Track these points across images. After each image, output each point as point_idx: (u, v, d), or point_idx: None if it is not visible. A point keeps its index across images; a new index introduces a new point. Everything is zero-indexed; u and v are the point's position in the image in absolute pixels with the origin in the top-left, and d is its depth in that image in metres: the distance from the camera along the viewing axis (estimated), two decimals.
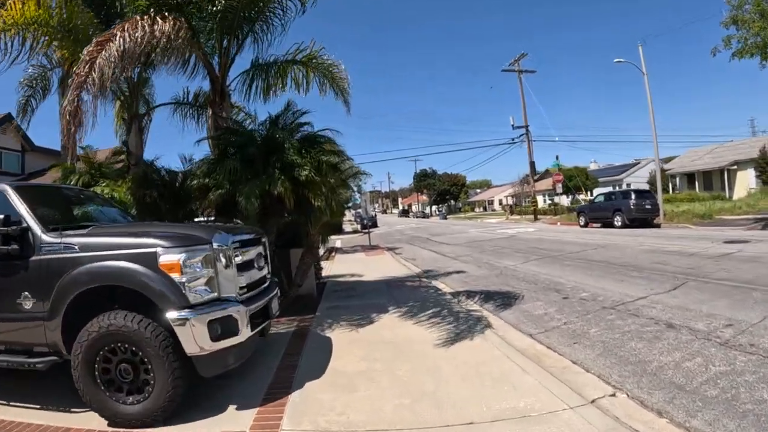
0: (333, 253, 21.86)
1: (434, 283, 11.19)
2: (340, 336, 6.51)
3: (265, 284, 5.15)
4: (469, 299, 8.96)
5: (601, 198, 28.53)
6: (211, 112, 9.90)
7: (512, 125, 41.48)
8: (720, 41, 17.84)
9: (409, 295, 9.35)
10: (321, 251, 19.10)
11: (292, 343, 6.28)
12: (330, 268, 15.83)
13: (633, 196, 25.31)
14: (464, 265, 14.37)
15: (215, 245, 4.15)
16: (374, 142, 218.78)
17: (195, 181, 8.11)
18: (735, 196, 36.75)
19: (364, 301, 9.06)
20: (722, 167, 39.37)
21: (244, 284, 4.45)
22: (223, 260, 4.18)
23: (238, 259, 4.42)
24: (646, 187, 34.06)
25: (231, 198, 7.65)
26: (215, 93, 9.83)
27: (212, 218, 8.92)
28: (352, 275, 13.33)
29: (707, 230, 19.72)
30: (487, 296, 9.12)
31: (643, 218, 25.10)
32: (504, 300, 8.63)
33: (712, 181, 41.17)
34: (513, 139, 43.48)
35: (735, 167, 38.99)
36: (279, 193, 7.14)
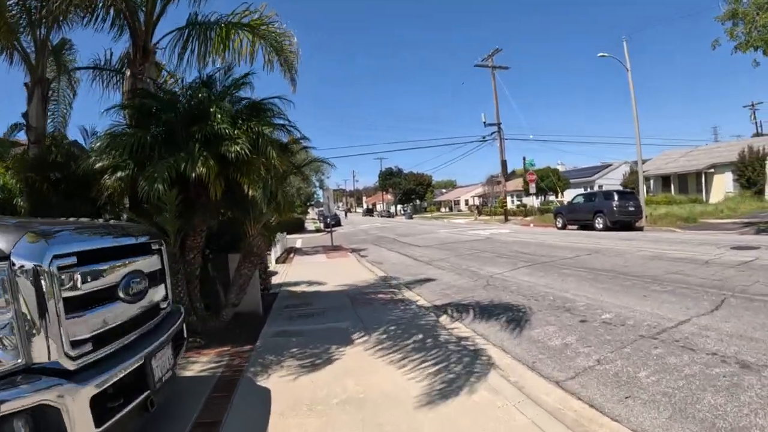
0: (291, 255, 20.10)
1: (408, 294, 9.45)
2: (283, 389, 4.54)
3: (153, 321, 3.18)
4: (456, 320, 7.17)
5: (581, 199, 27.35)
6: (129, 74, 7.90)
7: (484, 122, 40.74)
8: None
9: (380, 314, 7.49)
10: (275, 254, 17.29)
11: (209, 404, 4.25)
12: (286, 273, 13.93)
13: (616, 197, 24.23)
14: (441, 272, 12.64)
15: (19, 261, 2.17)
16: (338, 138, 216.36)
17: (91, 161, 6.04)
18: (712, 200, 36.79)
19: (322, 323, 7.12)
20: (699, 170, 39.41)
21: (90, 334, 2.46)
22: (35, 289, 2.19)
23: (81, 286, 2.44)
24: (620, 188, 33.24)
25: (135, 183, 5.64)
26: (136, 50, 8.04)
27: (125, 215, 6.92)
28: (311, 283, 11.49)
29: (699, 234, 18.66)
30: (479, 315, 7.38)
31: (627, 221, 24.16)
32: (503, 322, 6.87)
33: (688, 183, 41.31)
34: (484, 137, 42.80)
35: (712, 170, 39.11)
36: (200, 177, 5.15)
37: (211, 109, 5.64)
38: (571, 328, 6.32)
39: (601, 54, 27.19)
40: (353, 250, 21.10)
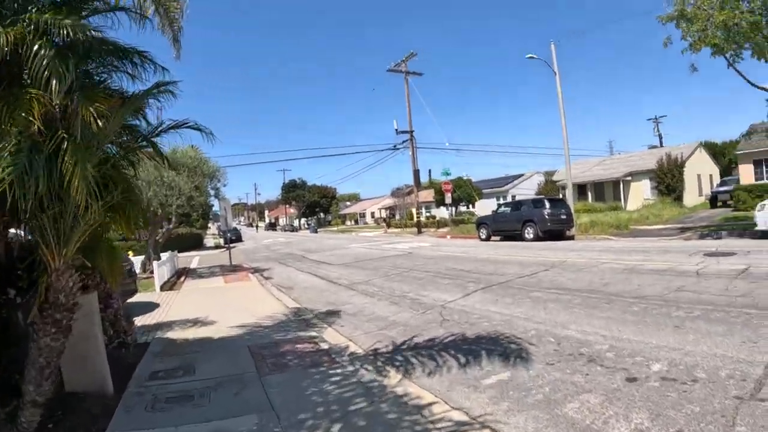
0: (182, 279, 16.96)
1: (333, 337, 7.14)
2: None
3: None
4: (430, 392, 4.74)
5: (506, 208, 26.20)
6: None
7: (396, 129, 39.39)
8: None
9: (303, 389, 4.88)
10: (160, 279, 14.19)
11: None
12: (170, 306, 11.09)
13: (547, 206, 23.29)
14: (369, 299, 10.26)
15: None
16: (238, 148, 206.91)
17: None
18: (629, 207, 37.84)
19: (207, 419, 4.30)
20: (617, 178, 40.61)
21: None
22: None
23: None
24: (550, 196, 32.96)
25: None
26: None
27: None
28: (199, 322, 8.83)
29: (643, 242, 17.83)
30: (461, 376, 4.99)
31: (558, 230, 23.38)
32: (509, 391, 4.52)
33: (604, 191, 42.47)
34: (395, 146, 41.40)
35: (629, 178, 40.49)
36: None
37: None
38: (623, 396, 4.11)
39: (530, 56, 26.75)
40: (255, 270, 18.69)
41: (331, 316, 9.00)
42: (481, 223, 27.47)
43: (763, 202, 15.49)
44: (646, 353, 5.12)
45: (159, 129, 5.23)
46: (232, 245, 25.07)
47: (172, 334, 7.97)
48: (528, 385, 4.59)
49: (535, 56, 26.64)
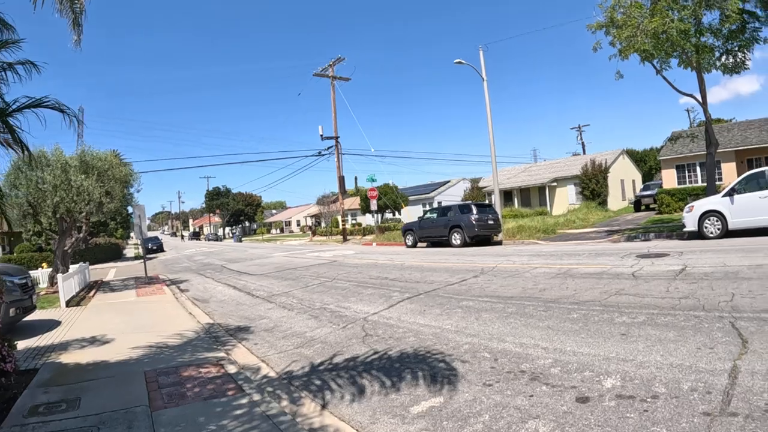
0: (92, 293, 15.49)
1: (245, 357, 6.31)
2: None
3: None
4: (353, 426, 3.98)
5: (433, 214, 25.89)
6: None
7: (321, 135, 39.10)
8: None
9: (199, 426, 4.02)
10: (64, 294, 12.69)
11: None
12: (71, 323, 9.89)
13: (474, 210, 23.13)
14: (287, 313, 9.40)
15: None
16: (159, 152, 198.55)
17: None
18: (555, 212, 39.00)
19: None
20: (543, 184, 41.84)
21: None
22: None
23: None
24: (476, 202, 33.21)
25: None
26: None
27: None
28: (98, 341, 7.75)
29: (573, 245, 17.82)
30: (386, 405, 4.25)
31: (486, 235, 23.43)
32: (444, 424, 3.84)
33: (530, 197, 43.77)
34: (320, 152, 41.08)
35: (555, 184, 41.84)
36: None
37: None
38: (577, 421, 3.48)
39: (457, 61, 26.83)
40: (172, 282, 17.48)
41: (244, 332, 8.08)
42: (407, 229, 27.15)
43: (691, 204, 15.81)
44: (595, 367, 4.56)
45: (11, 108, 4.28)
46: (152, 255, 23.51)
47: (66, 358, 6.78)
48: (464, 413, 3.90)
49: (463, 62, 26.77)
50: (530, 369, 4.71)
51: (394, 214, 51.71)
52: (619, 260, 11.59)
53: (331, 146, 39.67)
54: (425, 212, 27.57)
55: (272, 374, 5.55)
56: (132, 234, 62.99)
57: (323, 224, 61.81)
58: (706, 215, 14.94)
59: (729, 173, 29.89)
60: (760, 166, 15.38)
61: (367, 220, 52.60)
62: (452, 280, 11.18)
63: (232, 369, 5.75)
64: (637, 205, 35.63)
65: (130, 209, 21.16)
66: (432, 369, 5.06)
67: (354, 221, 61.58)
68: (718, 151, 19.34)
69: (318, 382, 5.10)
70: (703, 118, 19.19)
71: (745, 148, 31.47)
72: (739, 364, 4.22)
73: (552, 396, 4.02)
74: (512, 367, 4.83)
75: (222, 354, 6.53)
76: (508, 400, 4.03)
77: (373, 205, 38.13)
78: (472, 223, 22.55)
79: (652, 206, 33.28)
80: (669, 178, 34.02)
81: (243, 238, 74.44)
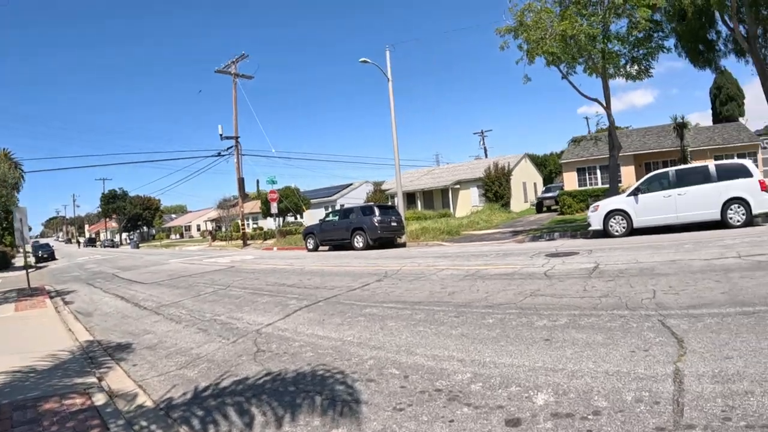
0: None
1: (120, 381, 5.44)
2: None
3: None
4: None
5: (334, 217, 25.29)
6: None
7: (221, 134, 37.70)
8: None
9: None
10: None
11: None
12: None
13: (377, 212, 22.81)
14: (173, 326, 8.37)
15: None
16: (50, 151, 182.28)
17: None
18: (458, 213, 39.62)
19: None
20: (446, 186, 42.53)
21: None
22: None
23: None
24: (379, 203, 33.12)
25: None
26: None
27: None
28: None
29: (479, 246, 17.82)
30: None
31: (389, 237, 23.25)
32: None
33: (433, 200, 44.41)
34: (220, 152, 39.63)
35: (458, 186, 42.78)
36: None
37: None
38: None
39: (363, 60, 26.41)
40: (57, 294, 15.77)
41: (125, 350, 6.95)
42: (308, 233, 26.39)
43: (596, 203, 16.22)
44: (521, 380, 3.99)
45: None
46: (43, 264, 21.04)
47: None
48: None
49: (368, 61, 26.39)
50: (447, 387, 4.07)
51: (296, 218, 50.69)
52: (528, 260, 11.41)
53: (231, 146, 38.36)
54: (327, 214, 26.93)
55: (149, 403, 4.60)
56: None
57: (224, 229, 60.12)
58: (611, 214, 15.43)
59: (628, 176, 31.62)
60: (658, 170, 16.03)
61: (269, 224, 51.40)
62: (354, 285, 10.48)
63: (100, 399, 4.73)
64: (539, 206, 36.97)
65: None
66: (332, 392, 4.29)
67: (256, 225, 60.11)
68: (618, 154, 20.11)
69: (200, 413, 4.22)
70: (605, 125, 20.05)
71: (644, 152, 33.76)
72: (681, 366, 3.82)
73: (476, 420, 3.38)
74: (426, 385, 4.17)
75: (93, 379, 5.45)
76: (425, 428, 3.35)
77: (274, 208, 37.01)
78: (374, 225, 22.20)
79: (553, 207, 34.57)
80: (570, 181, 35.54)
81: (141, 245, 70.92)
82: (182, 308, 10.19)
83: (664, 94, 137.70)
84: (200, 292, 12.33)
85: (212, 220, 73.10)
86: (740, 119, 47.47)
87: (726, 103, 56.64)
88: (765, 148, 36.75)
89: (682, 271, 7.84)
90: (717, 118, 54.27)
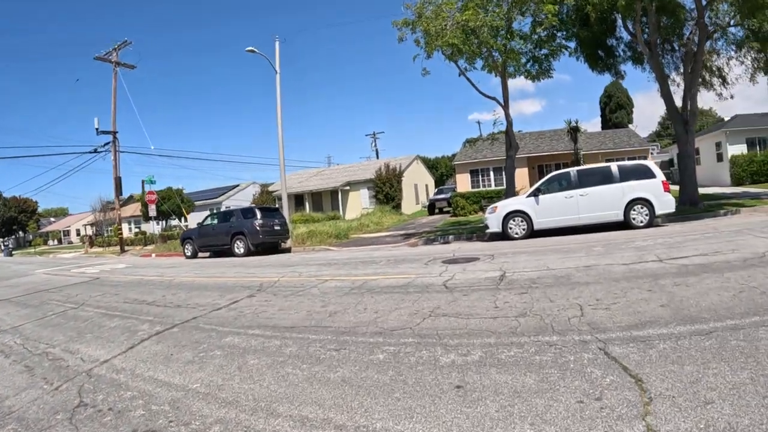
0: None
1: None
2: None
3: None
4: None
5: (213, 220, 23.23)
6: None
7: (97, 129, 33.95)
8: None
9: None
10: None
11: None
12: None
13: (258, 215, 21.18)
14: None
15: None
16: None
17: None
18: (348, 216, 38.74)
19: None
20: (336, 188, 41.46)
21: None
22: None
23: None
24: (262, 205, 31.34)
25: None
26: None
27: None
28: None
29: (369, 251, 16.73)
30: None
31: (273, 242, 21.69)
32: None
33: (322, 201, 43.20)
34: (96, 149, 35.85)
35: (348, 188, 41.80)
36: None
37: None
38: None
39: (249, 49, 24.58)
40: None
41: None
42: (185, 238, 24.21)
43: (494, 204, 15.63)
44: None
45: None
46: None
47: None
48: None
49: (255, 50, 24.61)
50: None
51: (180, 221, 47.64)
52: (424, 267, 10.29)
53: (109, 142, 34.78)
54: (206, 218, 24.68)
55: None
56: None
57: (105, 233, 55.26)
58: (510, 215, 14.87)
59: (522, 178, 31.89)
60: (551, 172, 15.72)
61: (153, 228, 47.99)
62: (221, 302, 8.78)
63: None
64: (431, 208, 36.83)
65: None
66: None
67: (138, 230, 55.50)
68: None
69: None
70: (503, 125, 19.54)
71: (538, 155, 34.53)
72: (653, 423, 2.72)
73: None
74: None
75: None
76: None
77: (152, 211, 34.13)
78: (256, 229, 20.53)
79: (446, 209, 34.45)
80: (463, 182, 35.51)
81: (16, 251, 63.50)
82: (18, 335, 8.01)
83: (552, 104, 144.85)
84: (48, 312, 10.07)
85: (91, 224, 67.88)
86: (630, 126, 50.40)
87: (616, 110, 60.26)
88: (652, 153, 39.13)
89: (604, 279, 6.96)
90: (606, 125, 57.49)
